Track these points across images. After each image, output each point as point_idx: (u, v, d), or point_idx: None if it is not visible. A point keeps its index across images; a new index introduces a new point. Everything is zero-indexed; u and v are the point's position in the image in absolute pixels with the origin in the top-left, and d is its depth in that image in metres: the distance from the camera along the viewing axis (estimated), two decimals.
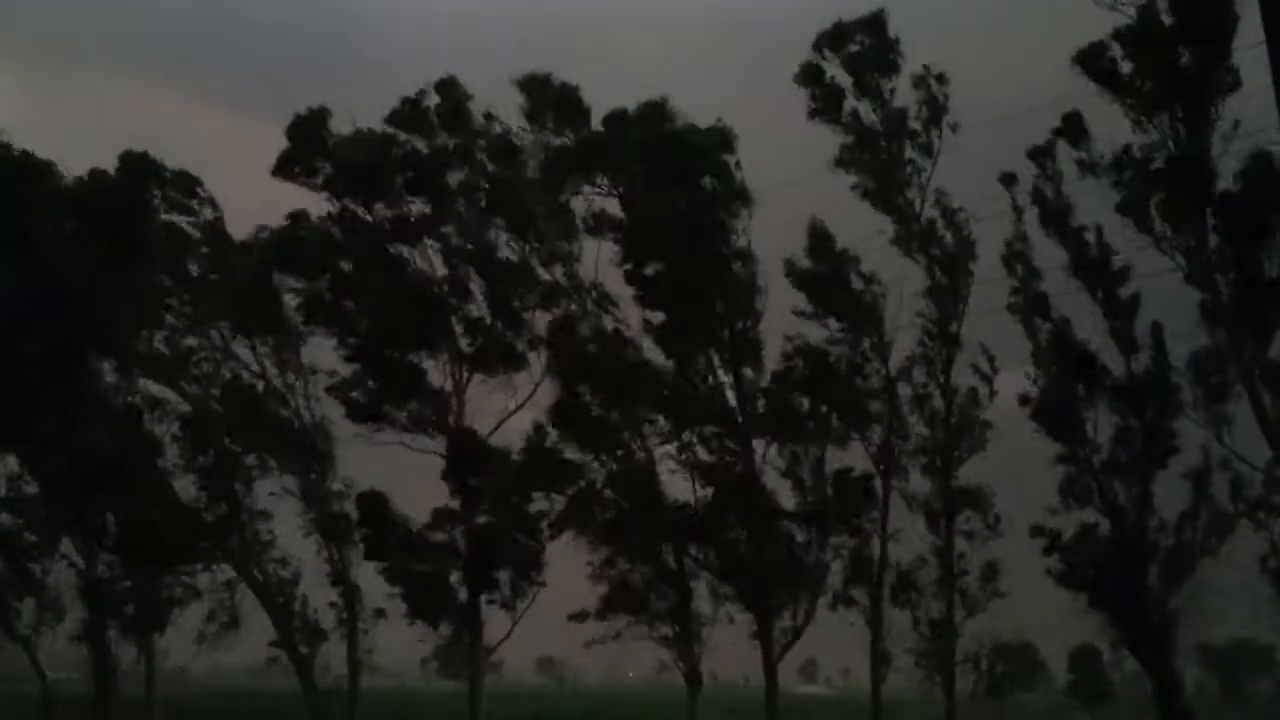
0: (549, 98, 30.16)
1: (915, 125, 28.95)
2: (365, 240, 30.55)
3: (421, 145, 30.58)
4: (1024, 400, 27.35)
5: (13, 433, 30.44)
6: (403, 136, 30.56)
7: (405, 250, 30.69)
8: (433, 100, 30.58)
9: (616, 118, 29.99)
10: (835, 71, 29.25)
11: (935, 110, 28.86)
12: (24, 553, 31.91)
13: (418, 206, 30.71)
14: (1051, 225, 27.18)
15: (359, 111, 30.72)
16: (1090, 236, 26.77)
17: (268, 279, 30.57)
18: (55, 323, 29.12)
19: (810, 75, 29.13)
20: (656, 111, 29.74)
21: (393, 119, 30.43)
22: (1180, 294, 25.41)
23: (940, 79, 28.94)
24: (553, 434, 29.78)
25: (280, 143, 30.91)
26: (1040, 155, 27.22)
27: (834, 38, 29.02)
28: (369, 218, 30.77)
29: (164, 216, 31.49)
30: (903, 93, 29.09)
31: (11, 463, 31.87)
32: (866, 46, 28.91)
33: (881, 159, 29.04)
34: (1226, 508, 25.46)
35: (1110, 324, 26.45)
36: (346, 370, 30.55)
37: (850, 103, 29.20)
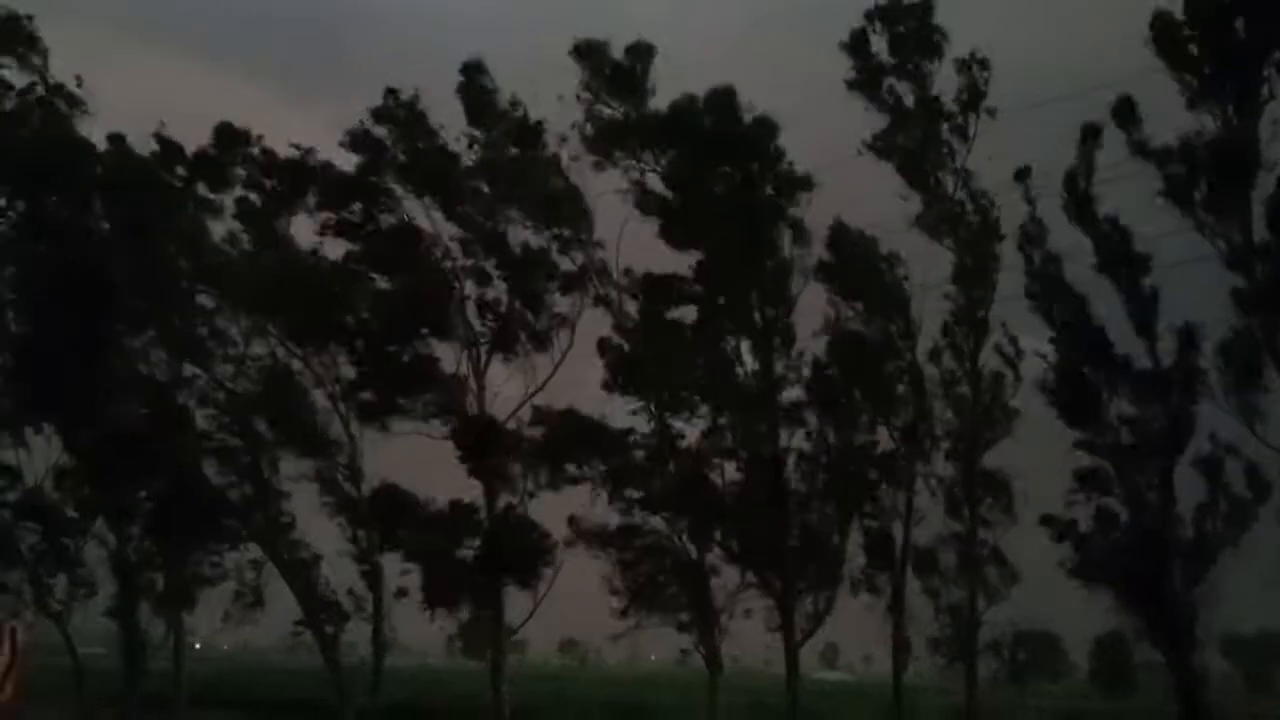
0: (605, 68, 29.93)
1: (953, 108, 28.82)
2: (365, 249, 30.69)
3: (419, 144, 30.41)
4: (1044, 387, 27.23)
5: (47, 406, 30.87)
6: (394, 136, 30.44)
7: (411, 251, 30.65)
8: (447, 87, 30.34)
9: (684, 105, 29.69)
10: (880, 49, 29.15)
11: (974, 95, 28.73)
12: (60, 529, 32.38)
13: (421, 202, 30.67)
14: (1079, 217, 26.93)
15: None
16: (1109, 227, 26.46)
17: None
18: (90, 297, 29.58)
19: (856, 45, 29.11)
20: (724, 100, 29.54)
21: (378, 117, 30.35)
22: (1224, 280, 25.05)
23: (983, 64, 28.79)
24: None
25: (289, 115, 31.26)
26: (1083, 141, 26.85)
27: (883, 13, 29.00)
28: (370, 226, 30.80)
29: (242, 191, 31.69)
30: (945, 75, 28.99)
31: (54, 439, 32.30)
32: (911, 29, 28.83)
33: (914, 142, 28.92)
34: (1245, 496, 25.23)
35: (1132, 313, 26.18)
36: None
37: (889, 81, 29.13)
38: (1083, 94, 27.28)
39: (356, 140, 30.30)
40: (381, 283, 31.18)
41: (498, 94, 30.29)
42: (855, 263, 29.38)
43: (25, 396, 30.95)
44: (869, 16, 28.96)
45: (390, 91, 30.29)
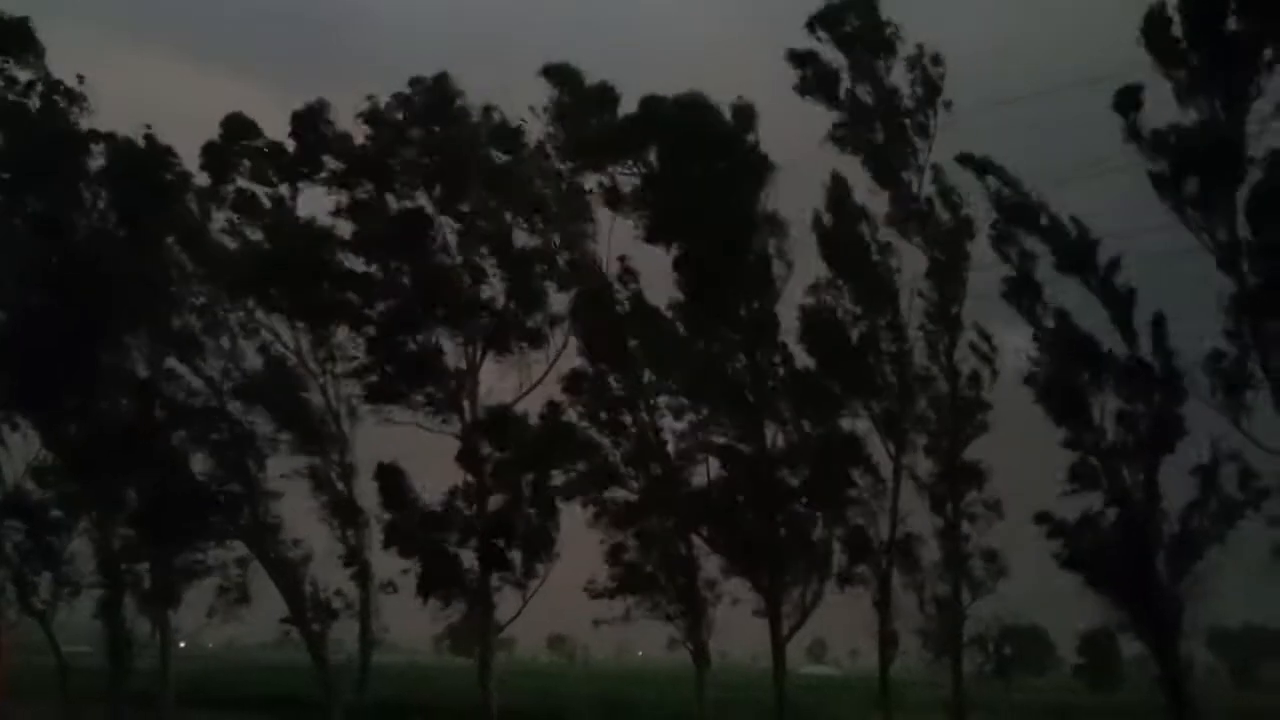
0: (578, 93, 30.04)
1: (910, 104, 28.82)
2: (376, 231, 30.54)
3: (425, 132, 30.43)
4: (1029, 381, 27.24)
5: (33, 402, 30.74)
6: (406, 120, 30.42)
7: (419, 238, 30.56)
8: (426, 94, 30.44)
9: (653, 105, 29.62)
10: (830, 53, 29.13)
11: (931, 90, 28.76)
12: (46, 527, 32.24)
13: (428, 195, 30.60)
14: (1021, 224, 27.11)
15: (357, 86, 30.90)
16: (1074, 228, 26.56)
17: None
18: (77, 291, 29.57)
19: (801, 58, 29.09)
20: (693, 102, 29.53)
21: (398, 105, 30.35)
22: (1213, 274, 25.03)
23: (935, 59, 28.82)
24: (570, 409, 29.99)
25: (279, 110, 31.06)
26: (983, 165, 27.26)
27: (826, 19, 28.92)
28: (380, 208, 30.70)
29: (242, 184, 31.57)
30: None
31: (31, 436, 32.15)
32: (857, 28, 28.81)
33: (877, 139, 28.92)
34: (1235, 496, 25.30)
35: (1109, 312, 26.21)
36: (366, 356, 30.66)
37: (846, 84, 29.11)
38: (1072, 87, 27.49)
39: (374, 118, 30.17)
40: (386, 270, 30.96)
41: (464, 98, 30.36)
42: (850, 235, 29.23)
43: (4, 392, 30.84)
44: (810, 27, 28.83)
45: (415, 80, 30.34)
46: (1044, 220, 26.95)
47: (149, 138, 31.53)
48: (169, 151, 31.59)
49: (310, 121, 30.79)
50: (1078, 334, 26.73)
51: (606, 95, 30.14)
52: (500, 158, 30.58)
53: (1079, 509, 26.67)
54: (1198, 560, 25.25)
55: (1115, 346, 26.44)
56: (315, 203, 31.40)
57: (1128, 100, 25.47)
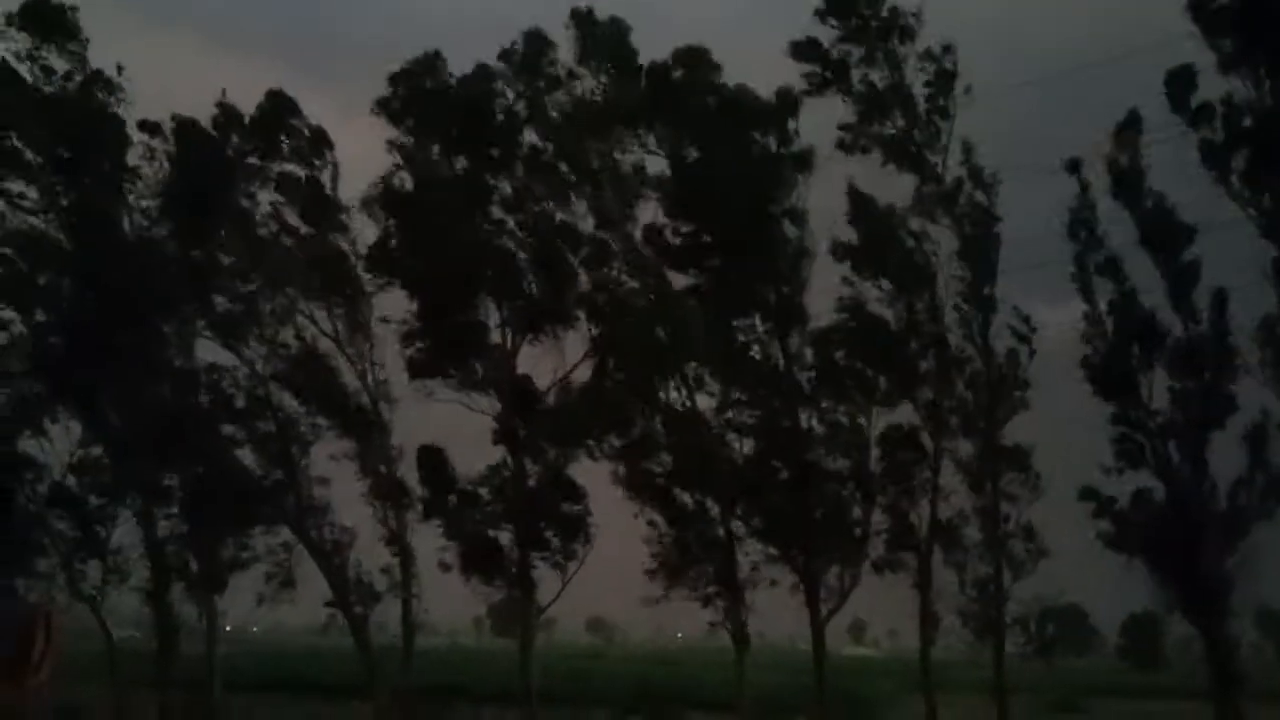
0: (598, 36, 29.90)
1: (927, 91, 28.54)
2: (441, 192, 30.52)
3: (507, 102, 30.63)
4: (1085, 364, 26.92)
5: (79, 391, 31.13)
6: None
7: (478, 207, 30.67)
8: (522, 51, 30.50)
9: (660, 71, 29.64)
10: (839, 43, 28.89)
11: (945, 80, 28.45)
12: (91, 515, 32.72)
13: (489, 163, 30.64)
14: (1121, 195, 26.68)
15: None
16: (1151, 201, 26.22)
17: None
18: (126, 280, 29.81)
19: (805, 52, 28.84)
20: (696, 59, 29.49)
21: (480, 74, 30.39)
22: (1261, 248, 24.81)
23: (948, 49, 28.52)
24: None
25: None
26: (1124, 128, 26.73)
27: (835, 6, 28.67)
28: (452, 170, 30.80)
29: (286, 167, 31.85)
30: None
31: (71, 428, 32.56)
32: (866, 17, 28.56)
33: (893, 126, 28.70)
34: None
35: (1170, 286, 25.87)
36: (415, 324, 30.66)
37: (860, 72, 28.88)
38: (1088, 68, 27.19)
39: (478, 76, 30.17)
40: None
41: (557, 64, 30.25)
42: (878, 238, 29.03)
43: (51, 385, 31.28)
44: (820, 17, 28.63)
45: (504, 51, 30.37)
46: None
47: (222, 104, 31.66)
48: (239, 121, 31.66)
49: (430, 69, 30.72)
50: (1140, 311, 26.40)
51: (622, 37, 29.88)
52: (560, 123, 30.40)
53: (1118, 487, 26.53)
54: (1246, 538, 25.00)
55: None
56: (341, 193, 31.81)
57: (1179, 79, 25.09)
